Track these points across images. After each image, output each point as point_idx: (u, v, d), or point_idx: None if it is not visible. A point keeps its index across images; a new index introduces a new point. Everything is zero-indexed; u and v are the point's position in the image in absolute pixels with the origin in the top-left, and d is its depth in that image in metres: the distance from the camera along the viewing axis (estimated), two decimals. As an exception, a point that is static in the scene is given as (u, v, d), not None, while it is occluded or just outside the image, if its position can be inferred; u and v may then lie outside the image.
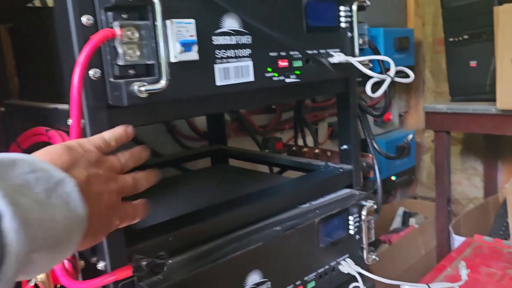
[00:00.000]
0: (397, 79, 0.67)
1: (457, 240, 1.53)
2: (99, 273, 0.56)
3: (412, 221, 1.89)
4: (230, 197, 0.76)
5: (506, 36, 1.33)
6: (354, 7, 0.75)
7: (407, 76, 0.70)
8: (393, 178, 1.98)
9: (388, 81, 0.66)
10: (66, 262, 0.57)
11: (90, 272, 0.57)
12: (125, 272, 0.53)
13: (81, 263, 0.58)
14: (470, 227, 1.73)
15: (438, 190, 1.69)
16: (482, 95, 1.56)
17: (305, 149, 1.08)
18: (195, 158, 1.20)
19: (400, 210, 1.97)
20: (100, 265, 0.57)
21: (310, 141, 1.33)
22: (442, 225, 1.69)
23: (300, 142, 1.27)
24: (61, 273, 0.55)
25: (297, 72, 0.69)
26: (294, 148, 1.12)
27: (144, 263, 0.53)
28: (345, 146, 0.89)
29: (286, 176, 1.04)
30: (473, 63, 1.57)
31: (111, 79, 0.53)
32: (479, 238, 1.50)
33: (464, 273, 0.83)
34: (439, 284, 0.81)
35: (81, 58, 0.48)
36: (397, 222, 1.93)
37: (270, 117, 1.50)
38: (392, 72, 0.66)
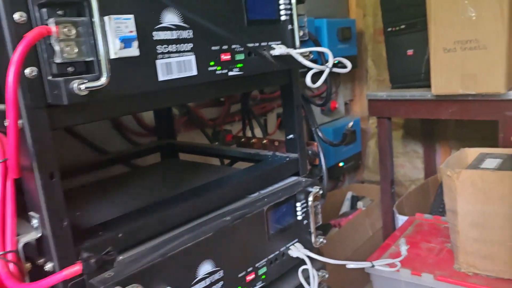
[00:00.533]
0: (336, 70, 0.71)
1: (401, 220, 1.62)
2: (47, 274, 0.55)
3: (359, 204, 1.98)
4: (180, 190, 0.77)
5: (437, 26, 1.41)
6: (293, 0, 0.77)
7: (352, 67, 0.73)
8: (341, 164, 2.06)
9: (326, 71, 0.69)
10: (11, 265, 0.56)
11: (38, 274, 0.56)
12: (74, 271, 0.53)
13: (28, 265, 0.57)
14: (412, 207, 1.83)
15: (382, 174, 1.78)
16: (419, 82, 1.65)
17: (253, 140, 1.10)
18: (144, 154, 1.19)
19: (349, 195, 2.05)
20: (48, 266, 0.56)
21: (260, 132, 1.36)
22: (386, 206, 1.79)
23: (250, 133, 1.30)
24: (6, 276, 0.54)
25: (240, 65, 0.71)
26: (243, 139, 1.14)
27: (93, 260, 0.53)
28: (291, 136, 0.92)
29: (236, 167, 1.06)
30: (410, 52, 1.66)
31: (50, 78, 0.52)
32: (420, 216, 1.59)
33: (403, 249, 0.88)
34: (382, 261, 0.86)
35: (15, 57, 0.47)
36: (346, 206, 2.01)
37: (219, 110, 1.51)
38: (330, 63, 0.69)
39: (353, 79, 2.31)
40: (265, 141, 1.05)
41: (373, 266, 0.82)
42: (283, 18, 0.76)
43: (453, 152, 2.06)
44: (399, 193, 2.14)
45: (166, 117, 1.23)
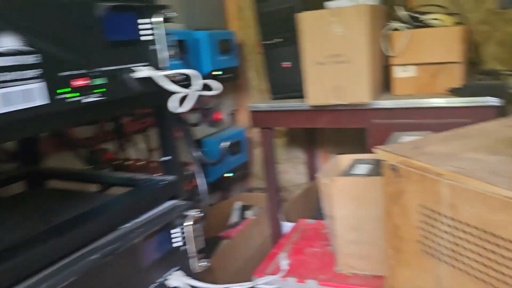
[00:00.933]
0: (203, 93, 0.69)
1: (287, 226, 1.67)
2: None
3: (249, 213, 2.00)
4: (41, 228, 0.69)
5: (308, 40, 1.49)
6: (158, 19, 0.74)
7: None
8: (229, 174, 2.06)
9: (191, 96, 0.67)
10: None
11: None
12: None
13: None
14: (299, 212, 1.91)
15: (267, 182, 1.82)
16: (297, 92, 1.72)
17: (129, 162, 1.04)
18: (5, 184, 1.06)
19: (238, 205, 2.07)
20: None
21: (143, 151, 1.30)
22: (273, 213, 1.83)
23: (131, 154, 1.23)
24: None
25: (101, 89, 0.66)
26: (118, 162, 1.07)
27: None
28: (166, 158, 0.88)
29: (111, 193, 0.99)
30: (287, 64, 1.72)
31: None
32: (304, 221, 1.66)
33: (284, 264, 0.90)
34: (264, 279, 0.87)
35: None
36: (235, 217, 2.02)
37: (94, 128, 1.40)
38: (195, 86, 0.67)
39: (237, 90, 2.34)
40: (141, 163, 1.00)
41: (254, 287, 0.82)
42: (146, 38, 0.73)
43: (331, 157, 2.19)
44: (287, 199, 2.22)
45: (29, 141, 1.10)
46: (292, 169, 2.34)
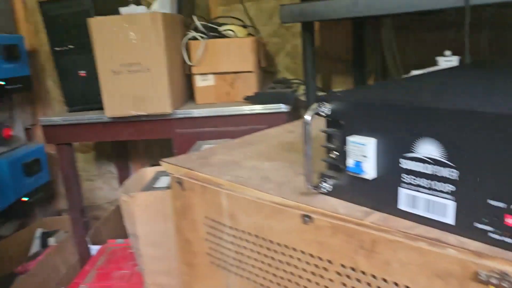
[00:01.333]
0: None
1: (95, 250, 1.53)
2: None
3: (51, 240, 1.78)
4: None
5: (101, 47, 1.38)
6: None
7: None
8: (26, 198, 1.81)
9: None
10: None
11: None
12: None
13: None
14: (113, 231, 1.77)
15: (70, 203, 1.65)
16: (97, 103, 1.59)
17: None
18: None
19: (38, 232, 1.82)
20: None
21: None
22: (80, 237, 1.66)
23: None
24: None
25: None
26: None
27: None
28: None
29: None
30: (82, 73, 1.58)
31: None
32: (112, 242, 1.55)
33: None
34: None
35: None
36: (36, 246, 1.77)
37: None
38: None
39: (33, 102, 2.08)
40: None
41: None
42: None
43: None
44: (99, 218, 2.05)
45: None
46: (105, 185, 2.18)
